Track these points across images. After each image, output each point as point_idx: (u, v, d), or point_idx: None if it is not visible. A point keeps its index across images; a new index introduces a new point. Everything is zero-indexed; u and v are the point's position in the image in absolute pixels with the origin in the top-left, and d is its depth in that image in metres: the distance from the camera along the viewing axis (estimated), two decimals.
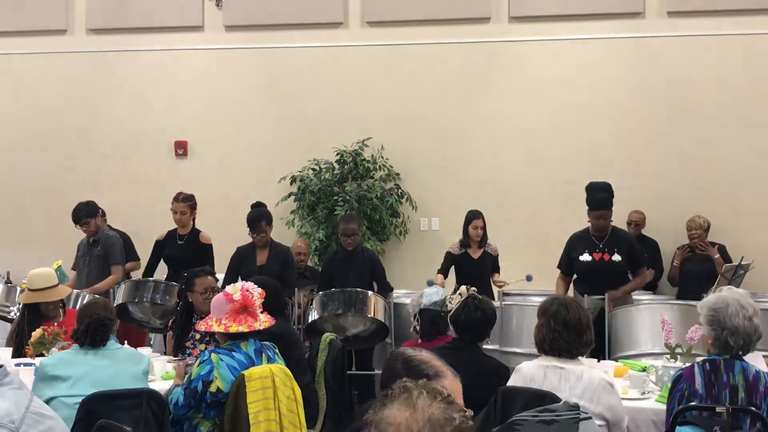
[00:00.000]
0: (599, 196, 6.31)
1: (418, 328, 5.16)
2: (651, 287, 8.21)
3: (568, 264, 6.52)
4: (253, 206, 7.41)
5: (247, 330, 4.25)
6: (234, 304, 4.28)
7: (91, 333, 4.38)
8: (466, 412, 1.89)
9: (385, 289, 7.12)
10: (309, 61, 9.34)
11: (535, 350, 4.05)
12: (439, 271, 7.47)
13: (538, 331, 3.96)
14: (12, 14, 9.64)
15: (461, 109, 9.12)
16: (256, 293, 4.37)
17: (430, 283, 7.32)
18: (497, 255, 7.53)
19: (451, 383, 2.40)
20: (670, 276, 8.37)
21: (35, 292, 5.62)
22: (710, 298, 3.81)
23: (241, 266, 6.96)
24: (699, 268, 8.01)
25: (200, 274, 5.53)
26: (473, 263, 7.42)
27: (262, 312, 4.38)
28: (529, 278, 7.21)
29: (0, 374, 2.95)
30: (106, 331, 4.42)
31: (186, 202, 7.32)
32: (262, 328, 4.32)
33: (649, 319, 5.82)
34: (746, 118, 8.67)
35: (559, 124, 8.94)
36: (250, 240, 7.07)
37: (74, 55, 9.63)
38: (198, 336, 5.39)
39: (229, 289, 4.38)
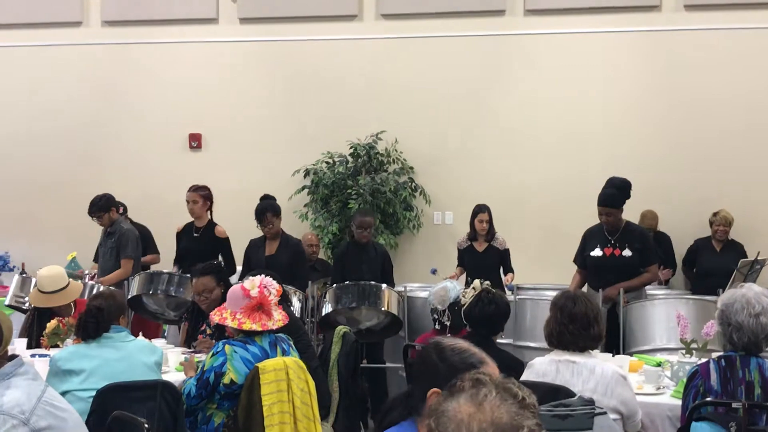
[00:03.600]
0: (607, 192, 6.25)
1: (445, 321, 5.14)
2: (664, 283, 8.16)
3: (582, 259, 6.49)
4: (261, 199, 7.43)
5: (260, 329, 4.24)
6: (250, 300, 4.26)
7: (83, 325, 4.39)
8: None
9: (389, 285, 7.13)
10: (323, 53, 9.33)
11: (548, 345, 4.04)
12: (458, 265, 7.61)
13: (547, 325, 3.99)
14: (28, 7, 9.67)
15: (475, 102, 9.09)
16: (273, 291, 4.33)
17: (434, 271, 7.37)
18: (505, 249, 7.53)
19: (492, 369, 2.30)
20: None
21: (45, 295, 5.61)
22: (726, 293, 3.78)
23: (251, 257, 6.99)
24: (720, 263, 7.95)
25: (197, 275, 5.44)
26: (477, 256, 7.49)
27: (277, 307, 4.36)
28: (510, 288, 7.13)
29: (15, 364, 2.97)
30: (99, 321, 4.38)
31: (197, 192, 7.31)
32: (275, 327, 4.31)
33: (665, 314, 5.78)
34: (764, 113, 8.60)
35: (574, 118, 8.90)
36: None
37: (89, 47, 9.67)
38: (209, 331, 5.38)
39: (246, 284, 4.34)
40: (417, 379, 2.46)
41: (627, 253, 6.22)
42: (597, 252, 6.30)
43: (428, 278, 7.97)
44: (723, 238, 8.21)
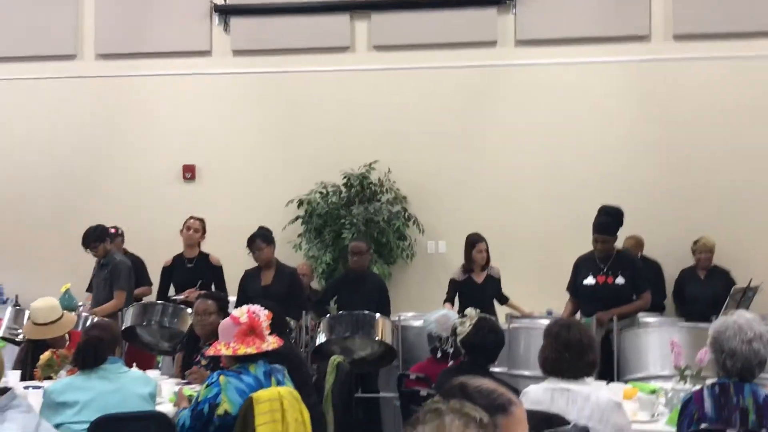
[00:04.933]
0: (601, 220, 6.30)
1: (448, 349, 5.13)
2: (659, 309, 8.13)
3: (575, 287, 6.51)
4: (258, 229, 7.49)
5: (255, 351, 4.25)
6: (241, 326, 4.29)
7: (82, 354, 4.40)
8: None
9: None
10: (316, 85, 9.39)
11: (542, 373, 4.04)
12: (446, 300, 7.33)
13: (542, 353, 3.98)
14: (22, 40, 9.71)
15: (468, 132, 9.15)
16: (263, 315, 4.38)
17: (550, 313, 7.33)
18: (500, 278, 7.51)
19: (521, 409, 2.28)
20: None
21: (39, 327, 5.60)
22: (717, 321, 3.80)
23: (247, 287, 7.00)
24: (705, 291, 7.97)
25: (201, 297, 5.65)
26: (477, 288, 7.36)
27: (270, 333, 4.38)
28: (549, 313, 7.22)
29: (8, 397, 2.97)
30: (98, 351, 4.40)
31: (200, 221, 7.48)
32: (270, 349, 4.32)
33: (658, 342, 5.78)
34: (753, 141, 8.66)
35: (565, 147, 8.95)
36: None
37: (83, 80, 9.70)
38: (204, 362, 5.38)
39: (235, 312, 4.39)
40: None
41: (620, 280, 6.25)
42: (590, 280, 6.32)
43: (422, 307, 7.92)
44: (706, 266, 8.23)
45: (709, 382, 3.82)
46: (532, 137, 9.02)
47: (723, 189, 8.67)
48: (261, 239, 7.04)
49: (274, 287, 6.92)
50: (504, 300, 7.54)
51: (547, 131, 8.99)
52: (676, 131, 8.80)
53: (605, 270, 6.28)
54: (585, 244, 6.51)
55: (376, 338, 6.68)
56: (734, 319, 3.68)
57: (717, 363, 3.67)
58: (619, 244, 6.48)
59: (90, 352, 4.39)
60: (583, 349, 3.86)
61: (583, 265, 6.43)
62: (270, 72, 9.47)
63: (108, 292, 7.28)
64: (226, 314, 5.24)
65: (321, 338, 6.69)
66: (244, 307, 4.42)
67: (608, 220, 6.29)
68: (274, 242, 7.21)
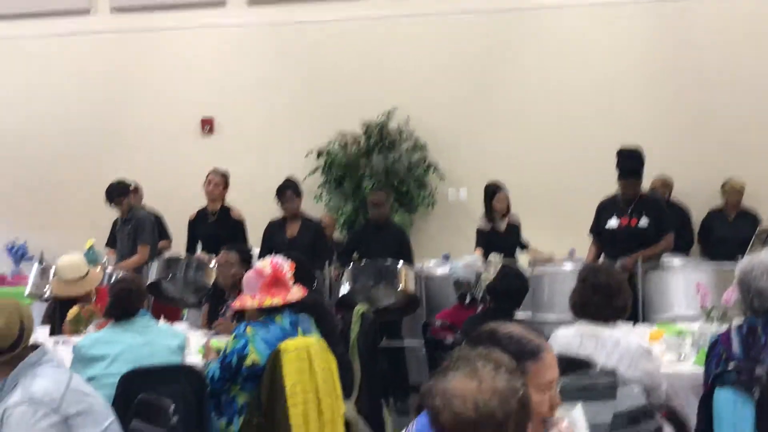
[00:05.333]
0: (627, 164, 6.22)
1: (477, 295, 5.14)
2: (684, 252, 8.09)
3: (598, 230, 6.47)
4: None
5: (281, 302, 4.26)
6: (265, 278, 4.29)
7: (116, 305, 4.46)
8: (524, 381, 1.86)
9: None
10: (332, 33, 9.30)
11: (566, 318, 4.06)
12: (477, 246, 7.29)
13: (572, 296, 4.01)
14: None
15: (487, 77, 9.05)
16: (287, 265, 4.38)
17: (446, 257, 7.33)
18: (520, 224, 7.49)
19: (550, 355, 2.30)
20: None
21: (66, 283, 5.65)
22: (743, 260, 3.78)
23: (272, 239, 7.01)
24: (733, 233, 7.91)
25: (225, 249, 5.70)
26: (501, 237, 7.34)
27: (294, 284, 4.39)
28: (572, 253, 7.21)
29: (39, 353, 3.01)
30: (131, 302, 4.47)
31: (222, 176, 7.40)
32: (295, 299, 4.33)
33: (683, 282, 5.78)
34: None
35: (587, 89, 8.84)
36: (279, 215, 7.11)
37: (98, 35, 9.66)
38: (230, 313, 5.42)
39: (258, 264, 4.39)
40: None
41: (643, 222, 6.21)
42: (613, 222, 6.28)
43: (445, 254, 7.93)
44: (735, 207, 8.17)
45: (736, 322, 3.80)
46: (553, 80, 8.91)
47: (749, 128, 8.54)
48: (292, 190, 7.06)
49: (300, 239, 6.94)
50: (524, 246, 7.52)
51: (568, 74, 8.87)
52: (698, 70, 8.66)
53: (629, 212, 6.23)
54: (606, 187, 6.46)
55: (399, 287, 6.69)
56: (761, 259, 3.66)
57: (744, 302, 3.66)
58: (645, 185, 6.40)
59: (124, 304, 4.45)
60: (612, 292, 3.87)
61: (606, 208, 6.39)
62: (286, 21, 9.38)
63: (132, 246, 7.33)
64: (249, 266, 5.27)
65: (345, 288, 6.71)
66: (267, 259, 4.42)
67: (631, 162, 6.22)
68: (302, 194, 7.22)
